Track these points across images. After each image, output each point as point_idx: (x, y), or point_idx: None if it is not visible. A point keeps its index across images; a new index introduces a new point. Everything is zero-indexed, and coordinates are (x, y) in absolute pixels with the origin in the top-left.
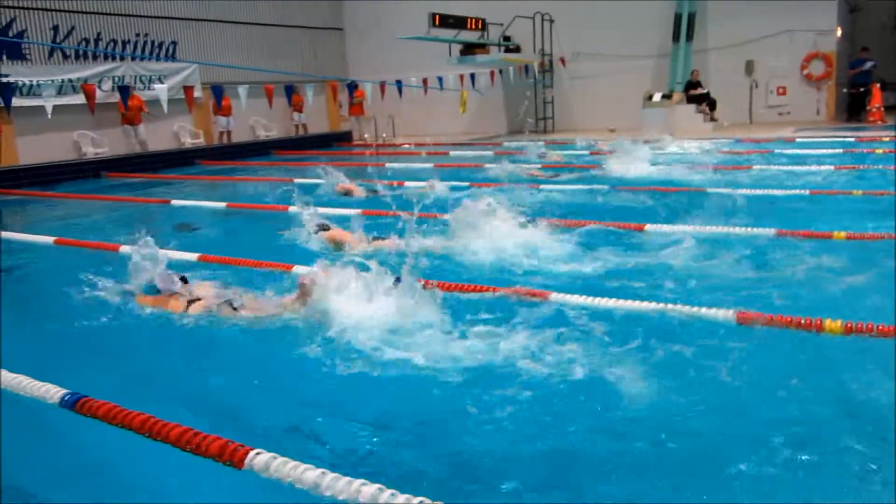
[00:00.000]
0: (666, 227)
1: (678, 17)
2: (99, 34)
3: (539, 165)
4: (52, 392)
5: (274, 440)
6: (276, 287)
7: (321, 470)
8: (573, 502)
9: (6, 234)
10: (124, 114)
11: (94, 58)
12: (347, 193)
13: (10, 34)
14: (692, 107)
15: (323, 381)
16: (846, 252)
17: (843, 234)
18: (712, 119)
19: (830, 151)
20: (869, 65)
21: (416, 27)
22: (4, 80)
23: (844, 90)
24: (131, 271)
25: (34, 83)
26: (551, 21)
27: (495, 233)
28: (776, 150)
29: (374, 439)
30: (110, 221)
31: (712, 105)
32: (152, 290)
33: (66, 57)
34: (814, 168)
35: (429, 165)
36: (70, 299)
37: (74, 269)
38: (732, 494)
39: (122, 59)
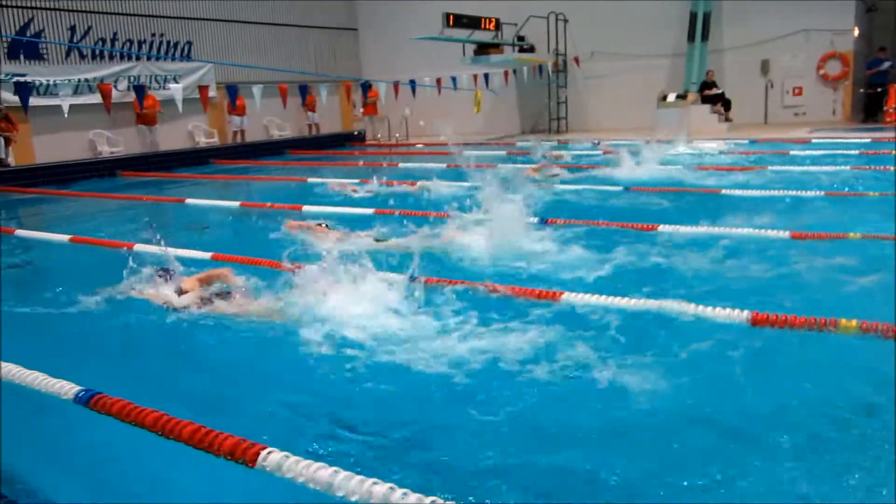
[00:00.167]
0: (679, 228)
1: (693, 17)
2: (115, 34)
3: (536, 165)
4: (67, 388)
5: (272, 436)
6: (268, 283)
7: (333, 468)
8: (583, 503)
9: (23, 233)
10: (139, 114)
11: (111, 58)
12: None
13: (28, 34)
14: (707, 107)
15: (322, 377)
16: (861, 253)
17: (858, 234)
18: (727, 119)
19: (846, 152)
20: (886, 65)
21: (431, 27)
22: (22, 79)
23: (861, 90)
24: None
25: (51, 83)
26: (565, 21)
27: (501, 233)
28: (791, 151)
29: (376, 437)
30: (125, 220)
31: (727, 105)
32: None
33: (82, 57)
34: (829, 169)
35: (442, 165)
36: (83, 297)
37: (89, 267)
38: (741, 492)
39: (137, 58)
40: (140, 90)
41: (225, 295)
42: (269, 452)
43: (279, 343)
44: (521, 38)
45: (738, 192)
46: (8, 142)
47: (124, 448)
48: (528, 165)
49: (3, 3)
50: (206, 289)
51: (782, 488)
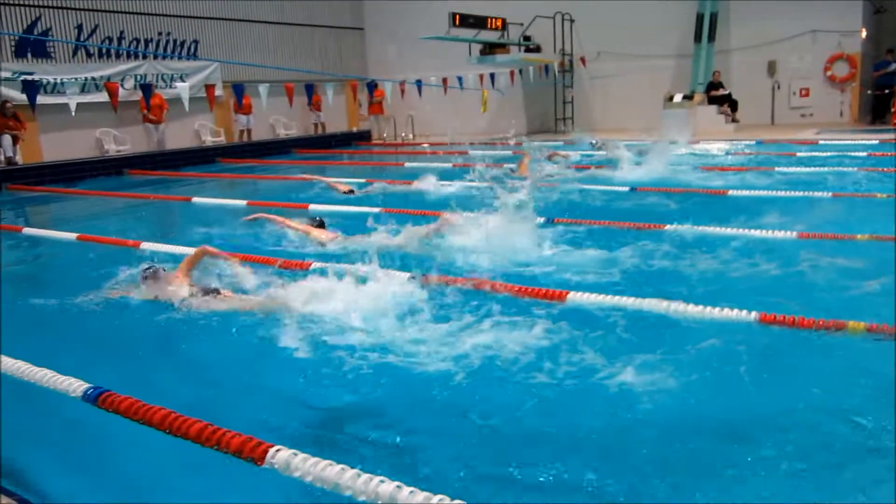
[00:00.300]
0: (686, 228)
1: (700, 17)
2: (122, 33)
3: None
4: (76, 386)
5: (272, 435)
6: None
7: (340, 466)
8: (589, 502)
9: (30, 231)
10: (145, 113)
11: (117, 56)
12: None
13: (36, 32)
14: (713, 108)
15: (325, 375)
16: (869, 254)
17: (865, 235)
18: (734, 120)
19: (853, 154)
20: (894, 67)
21: (437, 27)
22: (29, 77)
23: (868, 92)
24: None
25: (58, 81)
26: (572, 21)
27: (502, 232)
28: (798, 153)
29: (381, 435)
30: (132, 218)
31: (734, 106)
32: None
33: (89, 55)
34: (837, 170)
35: (448, 165)
36: (89, 294)
37: (96, 265)
38: (742, 493)
39: (144, 57)
40: (147, 89)
41: (213, 291)
42: (278, 450)
43: (277, 339)
44: (527, 38)
45: (745, 193)
46: (16, 140)
47: (132, 446)
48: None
49: (11, 1)
50: (198, 281)
51: (786, 489)
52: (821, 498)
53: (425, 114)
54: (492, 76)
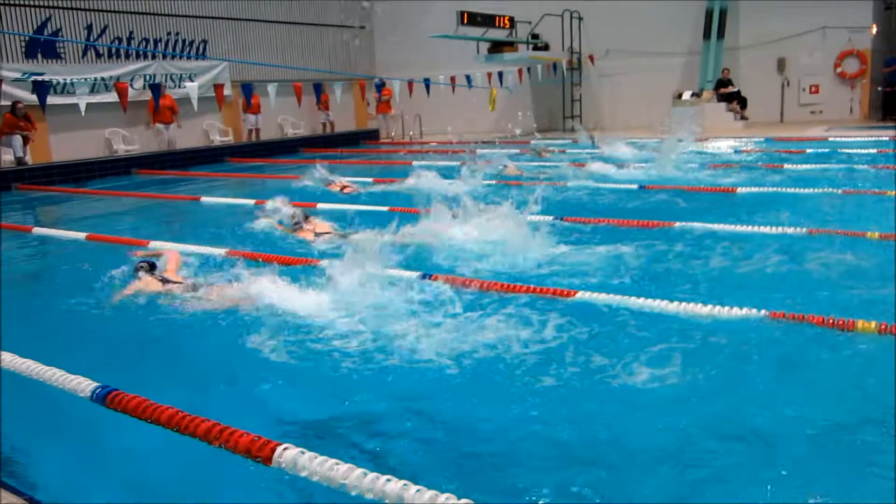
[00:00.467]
0: (696, 225)
1: (709, 14)
2: (131, 33)
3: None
4: (84, 385)
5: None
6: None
7: (348, 465)
8: (599, 502)
9: (40, 230)
10: (154, 114)
11: (127, 56)
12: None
13: (46, 33)
14: (723, 105)
15: (330, 373)
16: (880, 252)
17: (876, 233)
18: (743, 118)
19: (864, 151)
20: None
21: (445, 25)
22: (39, 78)
23: (879, 89)
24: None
25: (68, 81)
26: (580, 18)
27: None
28: (808, 150)
29: (388, 434)
30: (141, 218)
31: (743, 103)
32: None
33: (98, 56)
34: (847, 167)
35: (455, 163)
36: (98, 294)
37: (105, 264)
38: (751, 491)
39: (153, 57)
40: (156, 89)
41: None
42: (285, 449)
43: (282, 339)
44: (535, 36)
45: (754, 190)
46: (26, 140)
47: (140, 445)
48: (510, 163)
49: (21, 2)
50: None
51: (794, 488)
52: (829, 497)
53: (433, 112)
54: (500, 74)
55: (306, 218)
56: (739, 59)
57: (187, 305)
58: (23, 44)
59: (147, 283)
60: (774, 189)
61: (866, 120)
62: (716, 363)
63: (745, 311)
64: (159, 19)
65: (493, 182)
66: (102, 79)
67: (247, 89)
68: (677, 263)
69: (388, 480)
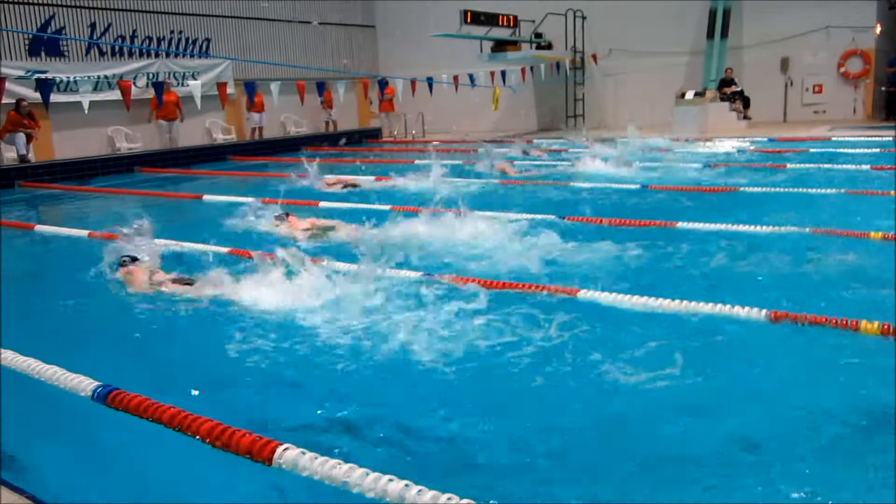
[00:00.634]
0: (698, 225)
1: (713, 14)
2: (134, 31)
3: (511, 162)
4: (85, 384)
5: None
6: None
7: (349, 465)
8: (601, 501)
9: (42, 228)
10: (155, 110)
11: (130, 54)
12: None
13: (49, 31)
14: (726, 105)
15: (330, 371)
16: (883, 252)
17: (879, 234)
18: (746, 117)
19: (867, 151)
20: None
21: (448, 24)
22: (43, 76)
23: (883, 88)
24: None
25: (71, 79)
26: (583, 18)
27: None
28: (811, 149)
29: (387, 434)
30: (143, 216)
31: (746, 103)
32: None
33: (102, 54)
34: (850, 167)
35: (457, 162)
36: (100, 292)
37: (107, 262)
38: (753, 492)
39: (156, 55)
40: (159, 87)
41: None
42: (286, 449)
43: (283, 338)
44: (538, 36)
45: (757, 190)
46: (30, 138)
47: (141, 444)
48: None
49: (25, 0)
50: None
51: (797, 488)
52: (830, 497)
53: (436, 112)
54: (503, 73)
55: (287, 215)
56: (743, 59)
57: (184, 304)
58: (26, 42)
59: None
60: (777, 189)
61: (870, 120)
62: (717, 362)
63: (746, 310)
64: (162, 17)
65: (484, 181)
66: (105, 77)
67: (250, 88)
68: (679, 263)
69: (390, 480)
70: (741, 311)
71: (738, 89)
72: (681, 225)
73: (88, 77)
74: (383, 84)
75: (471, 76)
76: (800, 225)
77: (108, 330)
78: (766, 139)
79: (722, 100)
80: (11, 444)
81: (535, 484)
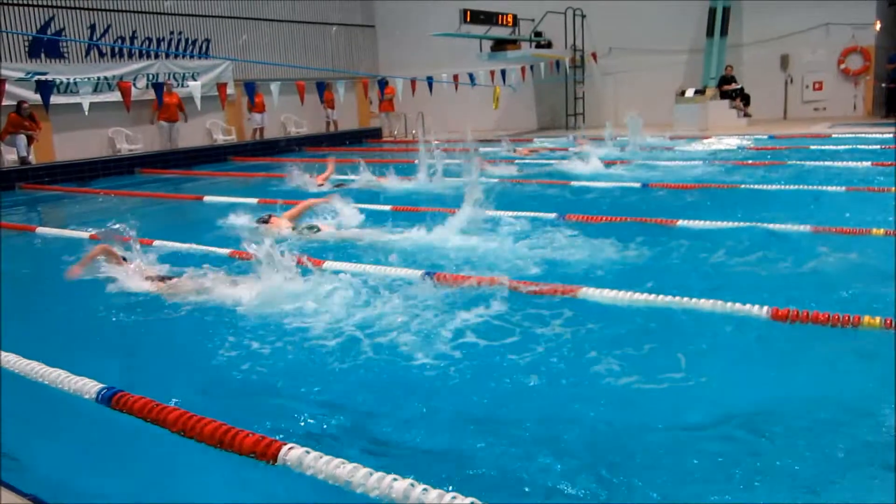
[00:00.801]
0: (699, 223)
1: (712, 12)
2: (134, 32)
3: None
4: (90, 386)
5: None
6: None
7: (353, 465)
8: (603, 501)
9: (43, 230)
10: (157, 110)
11: (130, 56)
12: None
13: (49, 32)
14: (726, 102)
15: (330, 371)
16: (885, 249)
17: (881, 230)
18: (746, 115)
19: (868, 147)
20: None
21: (448, 23)
22: (43, 77)
23: (883, 85)
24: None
25: (71, 81)
26: (583, 16)
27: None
28: (812, 146)
29: (391, 432)
30: (144, 217)
31: (746, 100)
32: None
33: (102, 55)
34: (851, 164)
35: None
36: (102, 293)
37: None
38: (752, 491)
39: (156, 56)
40: (159, 88)
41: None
42: (290, 448)
43: (286, 338)
44: (538, 34)
45: (757, 187)
46: (30, 140)
47: (145, 445)
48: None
49: (25, 1)
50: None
51: (796, 487)
52: (832, 496)
53: (436, 111)
54: (503, 73)
55: (269, 217)
56: (742, 56)
57: (182, 304)
58: (26, 43)
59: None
60: (778, 186)
61: (870, 117)
62: (718, 360)
63: (748, 307)
64: (162, 18)
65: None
66: (105, 78)
67: (250, 88)
68: (680, 260)
69: (395, 479)
70: (742, 309)
71: (738, 87)
72: (681, 222)
73: (88, 78)
74: (383, 84)
75: (471, 75)
76: (801, 222)
77: (109, 332)
78: (766, 136)
79: (722, 97)
80: (12, 445)
81: (539, 483)
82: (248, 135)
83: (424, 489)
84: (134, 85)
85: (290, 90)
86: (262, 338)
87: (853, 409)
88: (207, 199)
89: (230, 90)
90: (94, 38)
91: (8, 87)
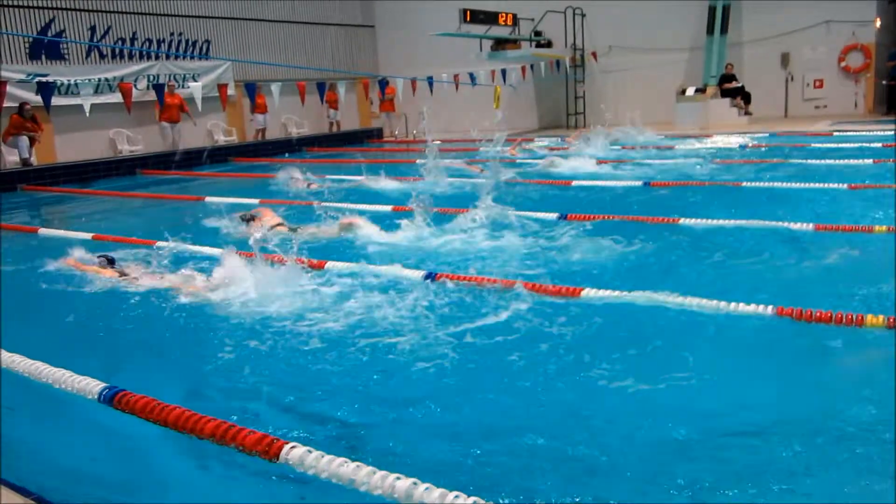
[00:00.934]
0: (701, 222)
1: (712, 10)
2: (134, 33)
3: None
4: (92, 386)
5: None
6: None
7: (356, 463)
8: (604, 501)
9: (46, 231)
10: (160, 110)
11: (130, 57)
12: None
13: (49, 34)
14: (726, 101)
15: (329, 370)
16: (888, 246)
17: (883, 227)
18: (747, 113)
19: (869, 145)
20: None
21: (448, 23)
22: (44, 79)
23: (883, 83)
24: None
25: (72, 82)
26: (583, 15)
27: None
28: (813, 144)
29: (392, 431)
30: (147, 218)
31: (747, 99)
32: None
33: (102, 56)
34: (852, 162)
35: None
36: (105, 294)
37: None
38: (758, 490)
39: (157, 57)
40: (160, 89)
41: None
42: (292, 447)
43: (287, 338)
44: (538, 34)
45: (759, 185)
46: (32, 142)
47: (147, 444)
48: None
49: (25, 3)
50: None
51: (801, 486)
52: (834, 496)
53: (437, 111)
54: (503, 72)
55: (252, 217)
56: (743, 55)
57: (179, 304)
58: (27, 45)
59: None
60: (779, 184)
61: (871, 114)
62: (723, 359)
63: (752, 307)
64: (162, 20)
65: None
66: (106, 79)
67: (250, 89)
68: (682, 259)
69: (398, 479)
70: (747, 308)
71: (739, 85)
72: (683, 221)
73: (89, 80)
74: (384, 84)
75: (471, 75)
76: (803, 220)
77: (112, 331)
78: (767, 134)
79: (723, 96)
80: (13, 445)
81: (542, 483)
82: (251, 136)
83: (427, 488)
84: (135, 86)
85: (290, 91)
86: (262, 338)
87: (859, 408)
88: (209, 199)
89: (231, 91)
90: (95, 40)
91: (9, 88)
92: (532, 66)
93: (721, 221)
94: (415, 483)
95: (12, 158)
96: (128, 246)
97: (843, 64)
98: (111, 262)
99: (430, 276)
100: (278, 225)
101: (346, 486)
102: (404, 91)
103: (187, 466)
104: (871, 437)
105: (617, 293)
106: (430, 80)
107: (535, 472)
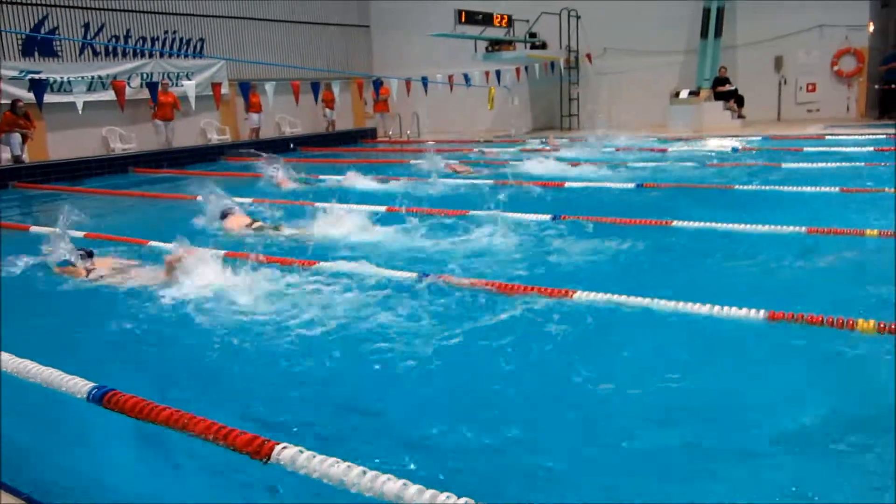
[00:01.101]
0: (693, 224)
1: (706, 13)
2: (128, 31)
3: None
4: (81, 385)
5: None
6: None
7: (346, 464)
8: (597, 502)
9: (37, 229)
10: (153, 107)
11: (124, 55)
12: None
13: (43, 31)
14: (720, 104)
15: (327, 369)
16: (879, 250)
17: (875, 231)
18: (740, 116)
19: (861, 149)
20: None
21: (443, 24)
22: (37, 76)
23: (876, 87)
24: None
25: (65, 80)
26: (578, 17)
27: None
28: (806, 148)
29: (387, 432)
30: (139, 216)
31: (740, 102)
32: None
33: (96, 54)
34: (845, 165)
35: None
36: (95, 292)
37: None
38: (751, 493)
39: (150, 55)
40: (153, 87)
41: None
42: (283, 448)
43: (280, 337)
44: (533, 35)
45: (752, 188)
46: (25, 139)
47: (137, 444)
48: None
49: (18, 0)
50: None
51: (795, 489)
52: (828, 498)
53: (431, 112)
54: (498, 73)
55: (226, 214)
56: (736, 58)
57: (171, 304)
58: (20, 42)
59: (76, 271)
60: (772, 187)
61: (863, 118)
62: (714, 363)
63: (744, 310)
64: (156, 17)
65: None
66: (99, 77)
67: (244, 88)
68: (675, 262)
69: (388, 480)
70: (739, 312)
71: (732, 88)
72: (675, 223)
73: (82, 77)
74: (378, 84)
75: (466, 76)
76: (795, 223)
77: (101, 330)
78: (760, 138)
79: (716, 98)
80: (9, 446)
81: (534, 484)
82: (246, 135)
83: (418, 489)
84: (128, 84)
85: (284, 90)
86: (252, 336)
87: (850, 412)
88: (202, 198)
89: (224, 90)
90: (88, 37)
91: (2, 85)
92: (527, 68)
93: (712, 224)
94: (405, 484)
95: (4, 155)
96: (119, 244)
97: (836, 68)
98: (90, 255)
99: (421, 278)
100: (254, 223)
101: (336, 487)
102: (398, 91)
103: (176, 466)
104: (866, 442)
105: (608, 296)
106: (424, 81)
107: (526, 473)
